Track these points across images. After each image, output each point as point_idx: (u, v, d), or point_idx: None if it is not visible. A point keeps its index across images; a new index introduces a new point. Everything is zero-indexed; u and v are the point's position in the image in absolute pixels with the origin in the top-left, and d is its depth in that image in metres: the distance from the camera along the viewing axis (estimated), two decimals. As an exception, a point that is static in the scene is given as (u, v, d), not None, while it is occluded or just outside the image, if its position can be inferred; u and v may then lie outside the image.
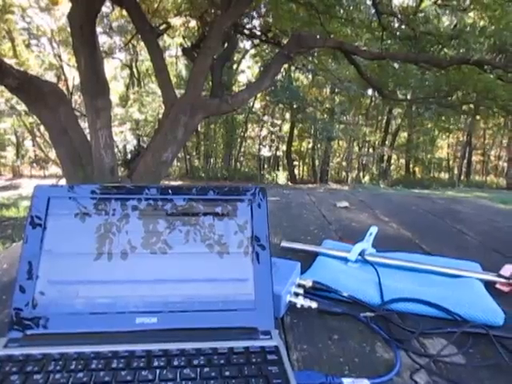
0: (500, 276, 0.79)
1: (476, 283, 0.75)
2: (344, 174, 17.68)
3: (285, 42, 6.72)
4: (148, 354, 0.48)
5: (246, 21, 7.74)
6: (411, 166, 18.25)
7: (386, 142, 16.75)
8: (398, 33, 7.13)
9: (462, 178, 17.26)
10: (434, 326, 0.64)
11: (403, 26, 7.27)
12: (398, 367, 0.53)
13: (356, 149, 17.92)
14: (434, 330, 0.63)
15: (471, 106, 10.15)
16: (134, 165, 5.50)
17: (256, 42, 9.55)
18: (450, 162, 19.47)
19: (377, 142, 17.32)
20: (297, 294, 0.66)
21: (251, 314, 0.54)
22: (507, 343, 0.60)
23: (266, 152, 17.25)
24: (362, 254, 0.84)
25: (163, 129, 5.28)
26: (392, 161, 17.69)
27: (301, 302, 0.64)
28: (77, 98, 12.51)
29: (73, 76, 13.00)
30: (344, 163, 17.92)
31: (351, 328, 0.63)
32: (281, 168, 17.46)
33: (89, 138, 4.85)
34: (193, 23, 9.52)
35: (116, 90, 14.57)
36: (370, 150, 17.82)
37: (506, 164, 17.94)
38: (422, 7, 8.80)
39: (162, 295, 0.55)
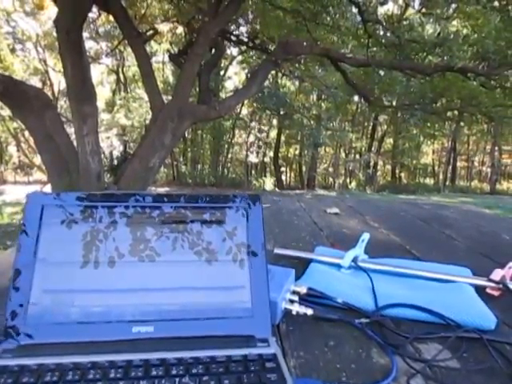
0: (490, 280, 0.80)
1: (467, 288, 0.76)
2: (331, 180, 17.78)
3: (272, 48, 6.75)
4: (146, 364, 0.48)
5: (233, 27, 7.77)
6: (397, 171, 18.43)
7: (372, 148, 16.90)
8: (383, 40, 7.22)
9: (447, 183, 17.48)
10: (427, 330, 0.65)
11: (388, 34, 7.37)
12: (395, 372, 0.53)
13: (343, 155, 18.05)
14: (428, 335, 0.64)
15: (455, 112, 10.31)
16: (121, 171, 5.46)
17: (243, 48, 9.59)
18: (435, 168, 19.73)
19: (363, 148, 17.47)
20: (292, 301, 0.66)
21: (248, 322, 0.54)
22: (499, 347, 0.61)
23: (253, 158, 17.28)
24: (354, 260, 0.85)
25: (150, 135, 5.25)
26: (378, 167, 17.84)
27: (296, 308, 0.65)
28: (62, 104, 12.41)
29: (58, 81, 12.89)
30: (331, 169, 18.03)
31: (346, 334, 0.63)
32: (268, 174, 17.49)
33: (75, 143, 4.80)
34: (180, 29, 9.53)
35: (102, 95, 14.47)
36: (357, 156, 17.96)
37: (489, 169, 18.23)
38: (406, 15, 8.94)
39: (158, 304, 0.54)
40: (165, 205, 0.59)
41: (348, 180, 17.17)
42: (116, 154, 14.29)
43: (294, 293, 0.69)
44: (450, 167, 18.32)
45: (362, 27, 6.97)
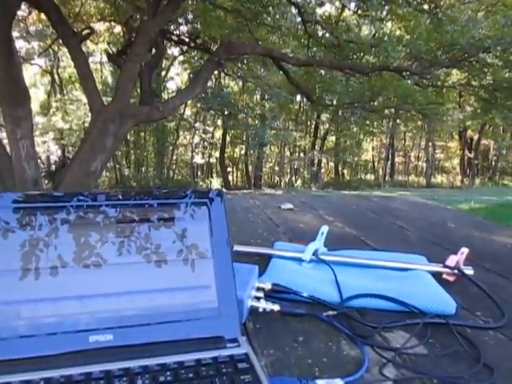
0: (446, 267, 0.82)
1: (426, 275, 0.78)
2: (277, 178, 17.97)
3: (214, 48, 6.70)
4: (107, 375, 0.43)
5: (173, 27, 7.63)
6: (340, 168, 18.96)
7: (316, 147, 17.27)
8: (322, 40, 7.39)
9: (387, 178, 18.22)
10: (392, 319, 0.65)
11: (327, 35, 7.55)
12: (367, 363, 0.52)
13: (287, 154, 18.31)
14: (395, 324, 0.64)
15: (392, 110, 10.77)
16: (60, 176, 5.21)
17: (185, 48, 9.46)
18: (375, 164, 20.50)
19: (307, 147, 17.79)
20: (258, 298, 0.64)
21: (216, 322, 0.51)
22: (462, 331, 0.62)
23: (198, 159, 17.11)
24: (315, 253, 0.84)
25: (90, 138, 5.04)
26: (322, 164, 18.26)
27: (263, 305, 0.62)
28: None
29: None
30: (276, 168, 18.23)
31: (314, 328, 0.62)
32: (214, 175, 17.39)
33: (8, 149, 4.51)
34: (118, 29, 9.25)
35: (36, 97, 13.70)
36: (301, 155, 18.27)
37: (424, 164, 19.22)
38: (343, 17, 9.22)
39: (116, 310, 0.50)
40: (118, 203, 0.55)
41: (293, 178, 17.44)
42: (54, 158, 13.62)
43: (258, 289, 0.67)
44: (389, 163, 19.11)
45: (302, 28, 7.10)
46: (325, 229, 0.90)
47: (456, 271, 0.81)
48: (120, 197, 0.55)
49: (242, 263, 0.71)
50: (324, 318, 0.64)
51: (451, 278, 0.82)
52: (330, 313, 0.64)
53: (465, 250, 0.86)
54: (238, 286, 0.59)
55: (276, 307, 0.62)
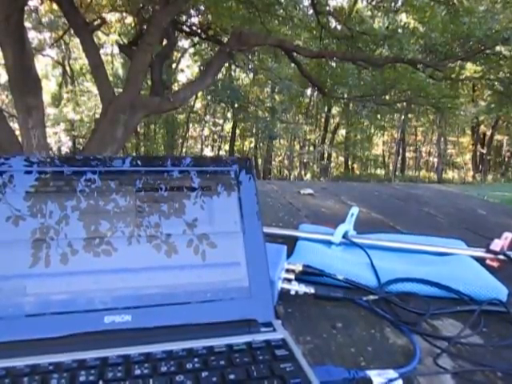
0: (489, 251, 0.75)
1: (470, 260, 0.71)
2: (286, 172, 17.86)
3: (225, 40, 6.63)
4: (126, 361, 0.37)
5: (184, 18, 7.56)
6: (350, 162, 18.78)
7: (326, 140, 17.11)
8: (335, 32, 7.27)
9: (397, 173, 18.02)
10: (437, 306, 0.59)
11: (340, 26, 7.44)
12: (419, 353, 0.46)
13: (297, 147, 18.18)
14: (442, 310, 0.57)
15: (404, 104, 10.62)
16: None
17: (195, 40, 9.40)
18: (386, 159, 20.28)
19: (317, 141, 17.65)
20: (289, 280, 0.58)
21: (247, 303, 0.45)
22: (518, 319, 0.56)
23: (208, 152, 17.08)
24: (345, 236, 0.78)
25: (101, 128, 5.01)
26: (332, 158, 18.10)
27: (295, 287, 0.56)
28: (3, 98, 11.68)
29: (-3, 74, 12.09)
30: (286, 161, 18.11)
31: (353, 314, 0.56)
32: (224, 168, 17.31)
33: (19, 138, 4.49)
34: (129, 19, 9.20)
35: (48, 89, 13.71)
36: (311, 148, 18.13)
37: (436, 160, 18.97)
38: (356, 8, 9.08)
39: (135, 287, 0.44)
40: (139, 169, 0.49)
41: (303, 172, 17.32)
42: (64, 150, 13.65)
43: (288, 271, 0.61)
44: (400, 158, 18.89)
45: (315, 19, 6.99)
46: (355, 210, 0.83)
47: (502, 256, 0.73)
48: (141, 163, 0.49)
49: (268, 243, 0.64)
50: (363, 304, 0.57)
51: (495, 264, 0.75)
52: (371, 297, 0.57)
53: (509, 235, 0.79)
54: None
55: (311, 290, 0.56)
